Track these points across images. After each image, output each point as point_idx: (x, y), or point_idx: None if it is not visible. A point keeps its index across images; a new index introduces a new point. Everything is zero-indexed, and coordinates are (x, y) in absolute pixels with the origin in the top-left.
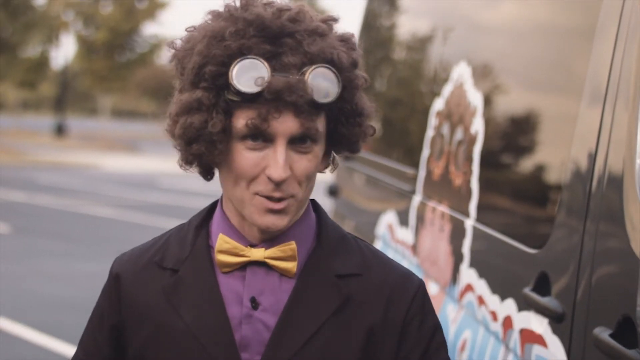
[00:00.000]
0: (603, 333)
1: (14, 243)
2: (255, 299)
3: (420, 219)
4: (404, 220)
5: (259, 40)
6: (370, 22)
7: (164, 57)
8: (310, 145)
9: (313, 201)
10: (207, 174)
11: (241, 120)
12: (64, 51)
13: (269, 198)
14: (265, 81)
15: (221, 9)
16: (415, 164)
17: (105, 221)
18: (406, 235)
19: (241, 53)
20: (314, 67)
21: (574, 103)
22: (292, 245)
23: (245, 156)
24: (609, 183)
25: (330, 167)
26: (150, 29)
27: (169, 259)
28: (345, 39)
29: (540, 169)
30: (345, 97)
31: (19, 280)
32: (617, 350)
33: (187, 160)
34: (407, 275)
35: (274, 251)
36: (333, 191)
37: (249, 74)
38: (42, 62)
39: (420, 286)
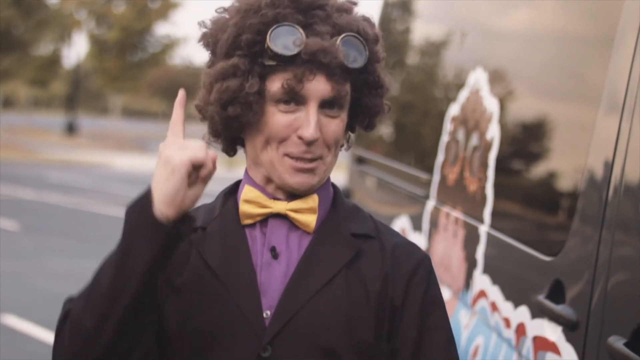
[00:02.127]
0: (617, 342)
1: (23, 241)
2: (275, 248)
3: (434, 224)
4: (417, 225)
5: (293, 10)
6: (384, 27)
7: (176, 57)
8: (338, 111)
9: (331, 181)
10: (231, 149)
11: (276, 84)
12: (76, 50)
13: (299, 159)
14: (302, 42)
15: None
16: (429, 169)
17: (114, 220)
18: (419, 240)
19: (277, 21)
20: (343, 34)
21: (592, 110)
22: (315, 197)
23: (278, 118)
24: (625, 191)
25: (345, 146)
26: (162, 29)
27: (198, 221)
28: (367, 18)
29: (556, 177)
30: (369, 69)
31: (28, 278)
32: (631, 359)
33: (216, 130)
34: (414, 245)
35: (296, 203)
36: (345, 195)
37: (286, 38)
38: (54, 61)
39: (427, 258)
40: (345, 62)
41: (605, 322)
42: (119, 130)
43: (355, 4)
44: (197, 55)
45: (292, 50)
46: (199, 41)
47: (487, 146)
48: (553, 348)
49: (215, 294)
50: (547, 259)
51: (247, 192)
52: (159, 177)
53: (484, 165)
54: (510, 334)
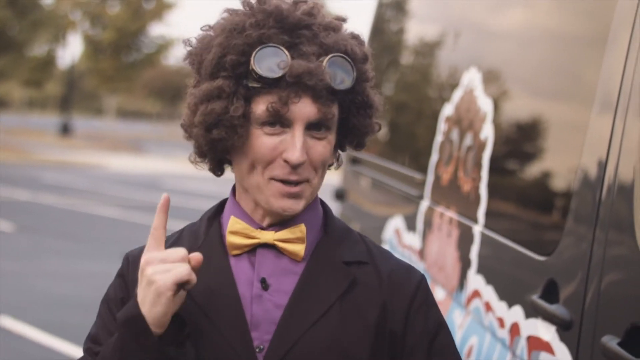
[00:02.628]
0: (611, 341)
1: (18, 242)
2: (266, 280)
3: (428, 224)
4: (411, 225)
5: (278, 30)
6: (379, 27)
7: (171, 57)
8: (325, 132)
9: (320, 199)
10: (218, 169)
11: (261, 106)
12: (71, 50)
13: (285, 182)
14: (286, 65)
15: (237, 7)
16: (423, 169)
17: (109, 221)
18: (413, 240)
19: (261, 42)
20: (330, 55)
21: (585, 110)
22: (302, 227)
23: (264, 141)
24: (619, 191)
25: (335, 165)
26: (157, 30)
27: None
28: (355, 36)
29: (550, 176)
30: (357, 89)
31: (23, 279)
32: (625, 358)
33: (202, 151)
34: (409, 267)
35: (284, 233)
36: (340, 195)
37: (270, 60)
38: (48, 61)
39: (423, 278)
40: (331, 84)
41: (599, 322)
42: (114, 131)
43: (344, 20)
44: None
45: (276, 73)
46: (185, 60)
47: (481, 146)
48: (547, 348)
49: (203, 331)
50: (541, 258)
51: (233, 223)
52: (144, 300)
53: (478, 165)
54: (504, 333)
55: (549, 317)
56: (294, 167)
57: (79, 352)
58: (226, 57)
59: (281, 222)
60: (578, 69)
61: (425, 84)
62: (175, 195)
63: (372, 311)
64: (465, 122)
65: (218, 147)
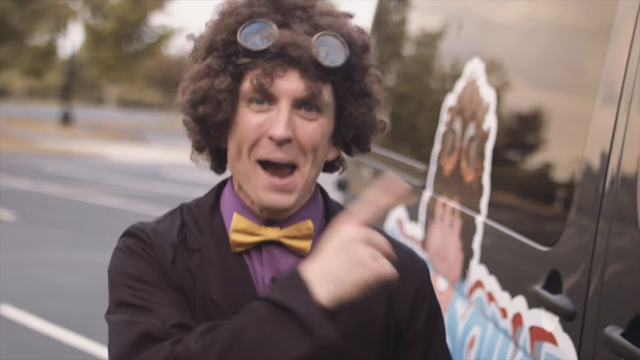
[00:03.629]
0: (614, 332)
1: (19, 231)
2: (276, 278)
3: (430, 214)
4: (413, 216)
5: (270, 10)
6: (381, 18)
7: (172, 47)
8: (315, 114)
9: (317, 185)
10: (219, 167)
11: (247, 82)
12: (72, 40)
13: (274, 173)
14: (271, 35)
15: None
16: (425, 160)
17: (110, 211)
18: (415, 230)
19: (251, 19)
20: (321, 32)
21: (589, 101)
22: (309, 224)
23: (250, 118)
24: (622, 183)
25: (339, 169)
26: (158, 19)
27: (191, 241)
28: (359, 27)
29: (553, 167)
30: (354, 76)
31: (25, 268)
32: (628, 349)
33: (196, 142)
34: (412, 254)
35: (289, 230)
36: (342, 185)
37: (256, 34)
38: (49, 51)
39: (425, 266)
40: (318, 58)
41: (602, 313)
42: (114, 120)
43: (350, 16)
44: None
45: (260, 45)
46: (189, 56)
47: (484, 136)
48: (550, 338)
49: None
50: (543, 249)
51: (237, 222)
52: (341, 269)
53: (481, 155)
54: (506, 324)
55: (551, 308)
56: (279, 144)
57: (79, 340)
58: (217, 36)
59: (285, 216)
60: (581, 60)
61: (428, 75)
62: (177, 185)
63: (381, 304)
64: (468, 112)
65: (207, 128)
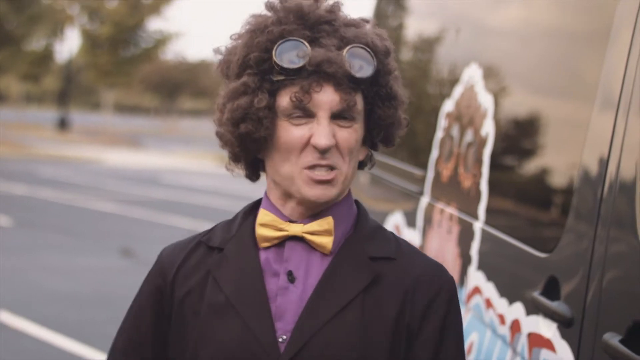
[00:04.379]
0: (613, 339)
1: (16, 236)
2: (292, 272)
3: (428, 220)
4: (411, 222)
5: (299, 26)
6: (378, 23)
7: (169, 52)
8: (350, 122)
9: (355, 200)
10: (253, 174)
11: (285, 98)
12: (69, 45)
13: (316, 167)
14: (307, 54)
15: (260, 10)
16: (423, 165)
17: (107, 216)
18: (413, 236)
19: (282, 37)
20: (350, 45)
21: (587, 107)
22: (329, 219)
23: (292, 131)
24: (620, 188)
25: (369, 165)
26: (155, 24)
27: (215, 239)
28: (378, 33)
29: (551, 173)
30: (380, 81)
31: (21, 273)
32: (627, 356)
33: (234, 153)
34: (439, 266)
35: (311, 225)
36: None
37: (291, 52)
38: (46, 56)
39: (451, 281)
40: (351, 71)
41: (601, 319)
42: (111, 125)
43: (367, 22)
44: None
45: (297, 63)
46: (217, 69)
47: (482, 142)
48: (548, 345)
49: (229, 321)
50: (542, 255)
51: (263, 216)
52: None
53: (479, 161)
54: (505, 330)
55: (550, 314)
56: (323, 152)
57: (76, 346)
58: (250, 54)
59: (311, 215)
60: (580, 65)
61: (425, 80)
62: (174, 191)
63: (393, 306)
64: (466, 118)
65: (248, 143)
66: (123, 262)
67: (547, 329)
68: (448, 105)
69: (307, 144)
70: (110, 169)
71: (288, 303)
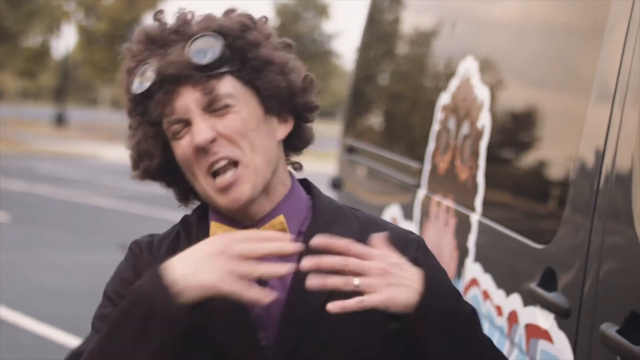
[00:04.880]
0: (610, 329)
1: (14, 233)
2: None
3: (425, 212)
4: (408, 214)
5: (150, 51)
6: (374, 17)
7: None
8: (226, 108)
9: (304, 180)
10: (184, 199)
11: (163, 122)
12: (65, 41)
13: (218, 173)
14: (151, 71)
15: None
16: (420, 158)
17: (105, 212)
18: (410, 229)
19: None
20: (190, 40)
21: (583, 99)
22: (280, 218)
23: (180, 145)
24: (616, 180)
25: (302, 144)
26: (151, 20)
27: (181, 248)
28: (236, 12)
29: (547, 165)
30: (248, 55)
31: (19, 269)
32: (623, 346)
33: (161, 183)
34: (406, 232)
35: (264, 228)
36: (336, 184)
37: (138, 79)
38: (42, 52)
39: (421, 239)
40: (196, 62)
41: (598, 310)
42: (108, 121)
43: (226, 13)
44: None
45: (142, 86)
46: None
47: (478, 135)
48: (545, 336)
49: (211, 336)
50: (538, 246)
51: (215, 229)
52: (193, 266)
53: (475, 153)
54: (502, 322)
55: (547, 305)
56: (208, 149)
57: (74, 342)
58: (125, 98)
59: (260, 217)
60: (575, 58)
61: (422, 73)
62: None
63: None
64: (462, 110)
65: (157, 174)
66: (121, 257)
67: (545, 320)
68: (444, 98)
69: (195, 151)
70: (108, 164)
71: (266, 310)
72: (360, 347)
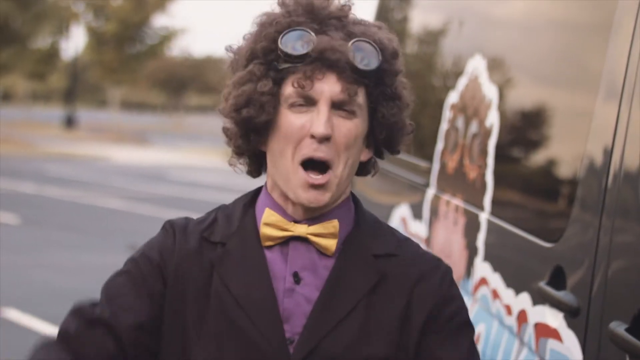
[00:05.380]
0: (619, 327)
1: (23, 234)
2: (298, 274)
3: (434, 212)
4: (417, 214)
5: (308, 19)
6: (382, 16)
7: (174, 48)
8: (351, 114)
9: (351, 193)
10: (255, 171)
11: (289, 86)
12: (74, 42)
13: (310, 169)
14: (311, 41)
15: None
16: (429, 157)
17: (114, 213)
18: (420, 228)
19: (290, 27)
20: (356, 39)
21: (591, 97)
22: (335, 222)
23: (292, 119)
24: (625, 178)
25: (372, 172)
26: (160, 21)
27: (216, 234)
28: (388, 36)
29: (555, 164)
30: (386, 81)
31: (29, 271)
32: (633, 344)
33: (237, 145)
34: (436, 259)
35: (316, 227)
36: None
37: (296, 41)
38: (52, 54)
39: (449, 270)
40: (355, 62)
41: (607, 308)
42: (118, 122)
43: (379, 27)
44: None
45: (301, 50)
46: (228, 67)
47: (487, 133)
48: (554, 334)
49: (237, 321)
50: (547, 245)
51: (268, 215)
52: None
53: (484, 152)
54: (511, 321)
55: (556, 304)
56: (320, 142)
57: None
58: (257, 45)
59: (314, 216)
60: (583, 56)
61: (430, 72)
62: (181, 187)
63: (400, 303)
64: (470, 109)
65: (249, 130)
66: None
67: (554, 318)
68: (453, 97)
69: (305, 135)
70: (117, 166)
71: (295, 305)
72: (380, 351)
